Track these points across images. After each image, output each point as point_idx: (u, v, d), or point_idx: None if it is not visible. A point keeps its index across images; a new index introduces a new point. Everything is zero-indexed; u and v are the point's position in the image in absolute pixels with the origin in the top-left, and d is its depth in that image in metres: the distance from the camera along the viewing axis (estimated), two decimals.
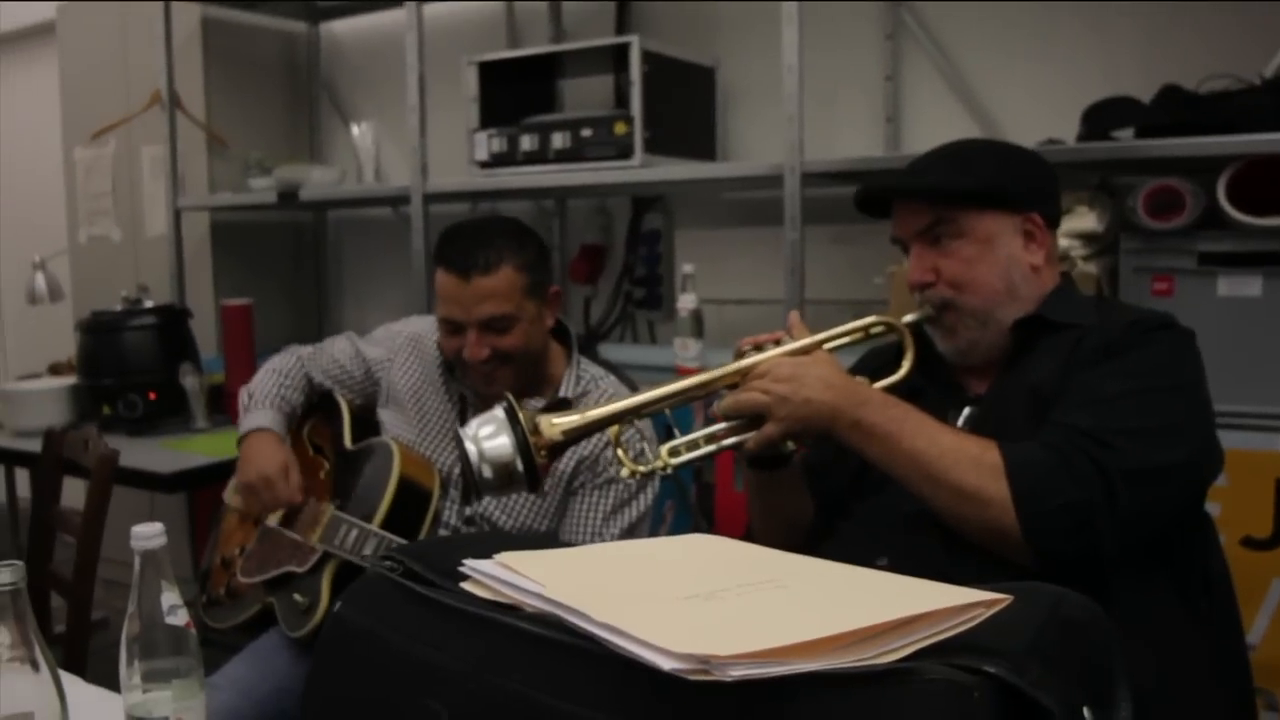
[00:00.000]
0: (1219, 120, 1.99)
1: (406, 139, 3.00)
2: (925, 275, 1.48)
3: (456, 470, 1.84)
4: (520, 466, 1.30)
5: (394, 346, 1.98)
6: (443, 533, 1.81)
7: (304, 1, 3.58)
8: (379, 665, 0.84)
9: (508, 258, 1.75)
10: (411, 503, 1.77)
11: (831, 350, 1.46)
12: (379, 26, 3.63)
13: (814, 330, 1.49)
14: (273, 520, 1.87)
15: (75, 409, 3.00)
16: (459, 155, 2.95)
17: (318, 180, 3.16)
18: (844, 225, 2.71)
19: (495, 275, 1.73)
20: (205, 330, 3.36)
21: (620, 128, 2.65)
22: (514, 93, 2.93)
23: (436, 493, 1.80)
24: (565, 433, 1.33)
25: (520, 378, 1.80)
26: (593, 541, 1.76)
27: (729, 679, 0.63)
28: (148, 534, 1.04)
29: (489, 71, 2.87)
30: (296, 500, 1.82)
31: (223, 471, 2.67)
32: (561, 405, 1.81)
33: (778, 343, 1.46)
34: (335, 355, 2.01)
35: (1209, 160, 2.00)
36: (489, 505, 1.82)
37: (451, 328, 1.77)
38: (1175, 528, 1.37)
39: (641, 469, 1.40)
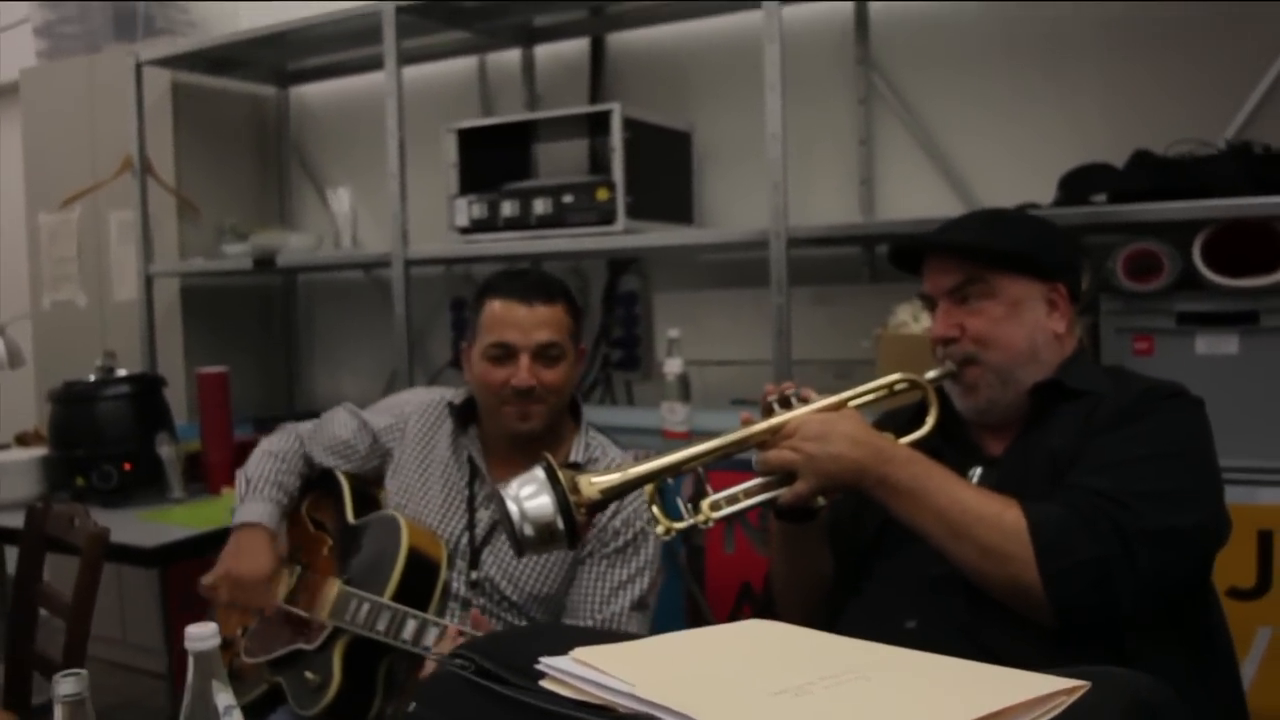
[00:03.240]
0: (1190, 185, 2.08)
1: (385, 204, 3.01)
2: (951, 330, 1.53)
3: (464, 539, 1.84)
4: (561, 525, 1.32)
5: (404, 414, 1.98)
6: (451, 603, 1.80)
7: (274, 67, 3.59)
8: None
9: (563, 297, 1.85)
10: (420, 575, 1.77)
11: (857, 407, 1.50)
12: (349, 91, 3.65)
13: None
14: (252, 618, 1.86)
15: (46, 480, 2.94)
16: (433, 219, 2.98)
17: (295, 246, 3.16)
18: (824, 286, 2.77)
19: (554, 307, 1.82)
20: (176, 397, 3.32)
21: (602, 194, 2.69)
22: (490, 158, 2.97)
23: (444, 564, 1.80)
24: (604, 491, 1.36)
25: (549, 424, 1.83)
26: (601, 610, 1.78)
27: None
28: (202, 635, 1.04)
29: (467, 137, 2.91)
30: (269, 611, 1.83)
31: (205, 545, 2.64)
32: (574, 469, 1.83)
33: (802, 397, 1.49)
34: (336, 432, 2.01)
35: (1183, 224, 2.08)
36: (493, 572, 1.82)
37: (503, 354, 1.80)
38: (1184, 589, 1.42)
39: (679, 526, 1.42)
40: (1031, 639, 1.32)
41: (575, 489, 1.34)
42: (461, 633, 1.56)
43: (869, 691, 0.79)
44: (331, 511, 1.97)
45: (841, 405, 1.50)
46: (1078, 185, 2.20)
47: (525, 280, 1.84)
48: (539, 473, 1.36)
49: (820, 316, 2.75)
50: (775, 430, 1.46)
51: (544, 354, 1.79)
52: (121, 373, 2.99)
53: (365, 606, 1.71)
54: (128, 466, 2.87)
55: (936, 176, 2.79)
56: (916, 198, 2.82)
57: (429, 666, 1.54)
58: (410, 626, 1.65)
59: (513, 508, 1.33)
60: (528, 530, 1.32)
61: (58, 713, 0.97)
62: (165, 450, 2.87)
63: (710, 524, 1.44)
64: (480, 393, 1.85)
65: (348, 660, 1.73)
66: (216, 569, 1.87)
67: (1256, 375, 2.04)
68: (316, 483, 2.02)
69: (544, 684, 0.85)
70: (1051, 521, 1.33)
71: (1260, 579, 1.98)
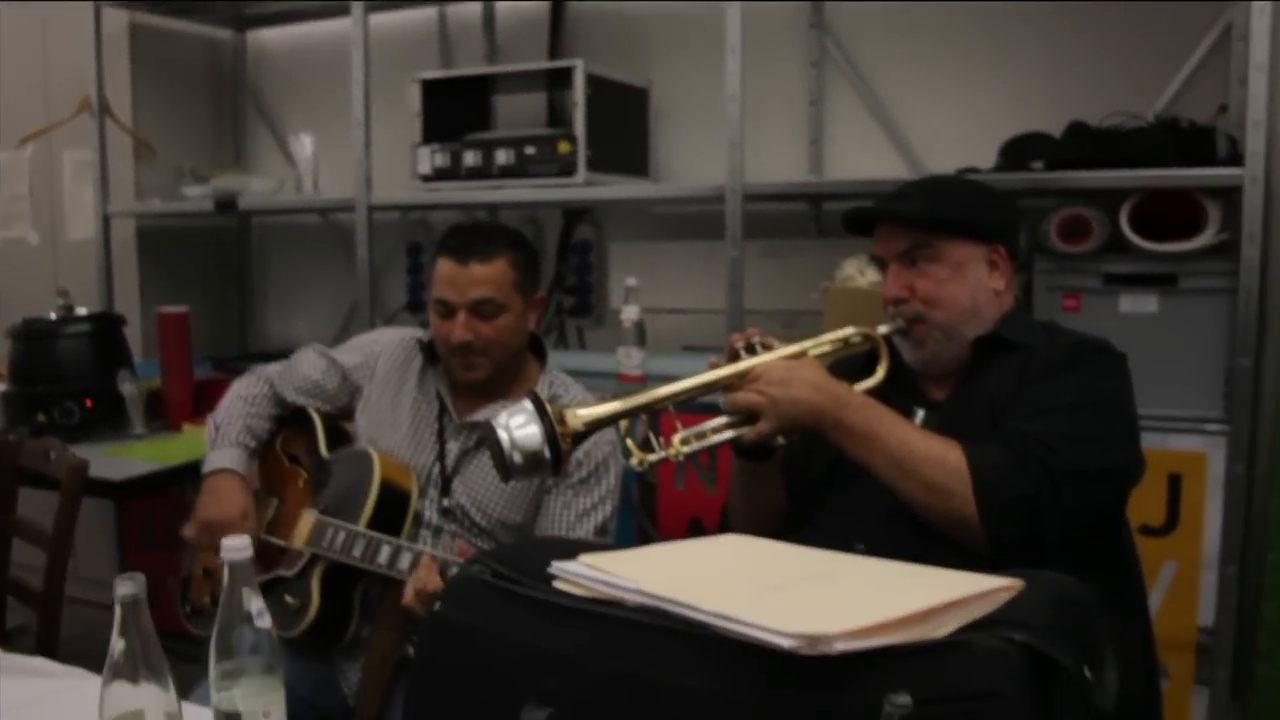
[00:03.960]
0: (1120, 155, 2.23)
1: (343, 150, 3.08)
2: (901, 291, 1.67)
3: (435, 469, 1.95)
4: (548, 454, 1.43)
5: (373, 353, 2.07)
6: (423, 530, 1.91)
7: (233, 6, 3.58)
8: (488, 655, 0.96)
9: (504, 252, 1.90)
10: (392, 504, 1.87)
11: (815, 356, 1.63)
12: (308, 36, 3.67)
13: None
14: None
15: (6, 415, 2.98)
16: (387, 166, 3.04)
17: (256, 190, 3.20)
18: (773, 240, 2.90)
19: (490, 265, 1.88)
20: (132, 337, 3.35)
21: (564, 146, 2.78)
22: (451, 108, 3.03)
23: (415, 494, 1.90)
24: (587, 424, 1.48)
25: (496, 372, 1.93)
26: (567, 536, 1.89)
27: (834, 651, 0.78)
28: (237, 546, 1.14)
29: (430, 87, 2.97)
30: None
31: (170, 479, 2.71)
32: None
33: (765, 342, 1.62)
34: (305, 372, 2.09)
35: (1112, 191, 2.24)
36: (463, 500, 1.93)
37: (444, 310, 1.90)
38: (1102, 522, 1.58)
39: (652, 458, 1.54)
40: (969, 565, 1.47)
41: (561, 420, 1.46)
42: (435, 558, 1.67)
43: (841, 587, 0.92)
44: (305, 446, 2.06)
45: (802, 354, 1.63)
46: (1017, 152, 2.34)
47: (465, 238, 1.90)
48: (527, 404, 1.47)
49: (769, 269, 2.87)
50: (742, 375, 1.59)
51: (479, 310, 1.87)
52: (81, 311, 3.02)
53: (341, 535, 1.81)
54: (89, 403, 2.92)
55: (883, 138, 2.92)
56: (863, 158, 2.95)
57: (408, 592, 1.66)
58: (385, 552, 1.76)
59: (503, 436, 1.44)
60: (517, 458, 1.43)
61: (117, 612, 1.07)
62: (128, 387, 2.92)
63: (680, 457, 1.57)
64: (436, 343, 1.96)
65: (325, 585, 1.84)
66: (194, 518, 1.95)
67: (1173, 332, 2.21)
68: (289, 419, 2.11)
69: (557, 585, 0.97)
70: (989, 462, 1.48)
71: (1169, 517, 2.17)
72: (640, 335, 2.67)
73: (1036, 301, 2.32)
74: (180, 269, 3.63)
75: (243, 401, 2.06)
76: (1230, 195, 2.18)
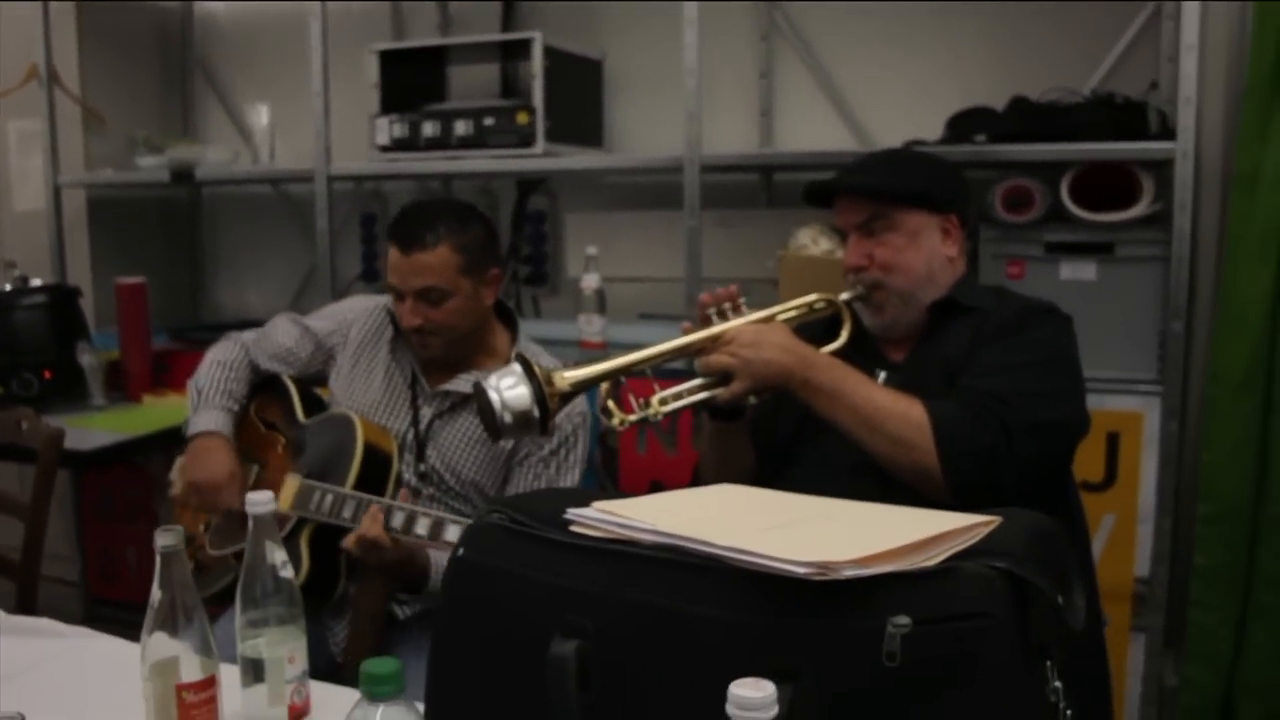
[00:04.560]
0: (1060, 129, 2.35)
1: (296, 120, 3.10)
2: (861, 260, 1.77)
3: (409, 434, 2.01)
4: (537, 414, 1.50)
5: (345, 321, 2.11)
6: (404, 491, 1.97)
7: None
8: (513, 594, 1.03)
9: (446, 238, 1.94)
10: (376, 466, 1.93)
11: (783, 321, 1.73)
12: (256, 7, 3.66)
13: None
14: (213, 516, 2.00)
15: None
16: (344, 138, 3.06)
17: (212, 160, 3.20)
18: (725, 210, 2.98)
19: (432, 252, 1.92)
20: (85, 308, 3.34)
21: (522, 117, 2.83)
22: (407, 79, 3.07)
23: (396, 455, 1.96)
24: (573, 384, 1.56)
25: (453, 348, 2.00)
26: None
27: (844, 577, 0.87)
28: (261, 500, 1.20)
29: (387, 58, 3.00)
30: (236, 508, 1.95)
31: (134, 449, 2.73)
32: None
33: (734, 305, 1.70)
34: (279, 340, 2.13)
35: (1053, 164, 2.36)
36: (436, 464, 1.99)
37: (395, 294, 1.98)
38: (1052, 475, 1.70)
39: (632, 418, 1.62)
40: None
41: (549, 381, 1.54)
42: (387, 507, 1.80)
43: (838, 525, 1.02)
44: (280, 412, 2.10)
45: (771, 319, 1.73)
46: (962, 126, 2.45)
47: (410, 225, 1.95)
48: (516, 367, 1.54)
49: (721, 238, 2.95)
50: (715, 338, 1.67)
51: (424, 297, 1.93)
52: (36, 282, 3.01)
53: (329, 497, 1.86)
54: (48, 374, 2.92)
55: (831, 111, 3.01)
56: (812, 130, 3.04)
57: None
58: (398, 517, 1.81)
59: (494, 397, 1.51)
60: (507, 418, 1.51)
61: (158, 563, 1.12)
62: (87, 359, 2.93)
63: (659, 417, 1.66)
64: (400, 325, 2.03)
65: (314, 546, 1.89)
66: (180, 480, 1.99)
67: (1111, 298, 2.34)
68: (261, 386, 2.15)
69: (574, 529, 1.05)
70: (948, 416, 1.58)
71: (1108, 473, 2.31)
72: (601, 303, 2.75)
73: (982, 269, 2.43)
74: (131, 240, 3.61)
75: (221, 366, 2.09)
76: (1163, 168, 2.31)
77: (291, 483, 1.92)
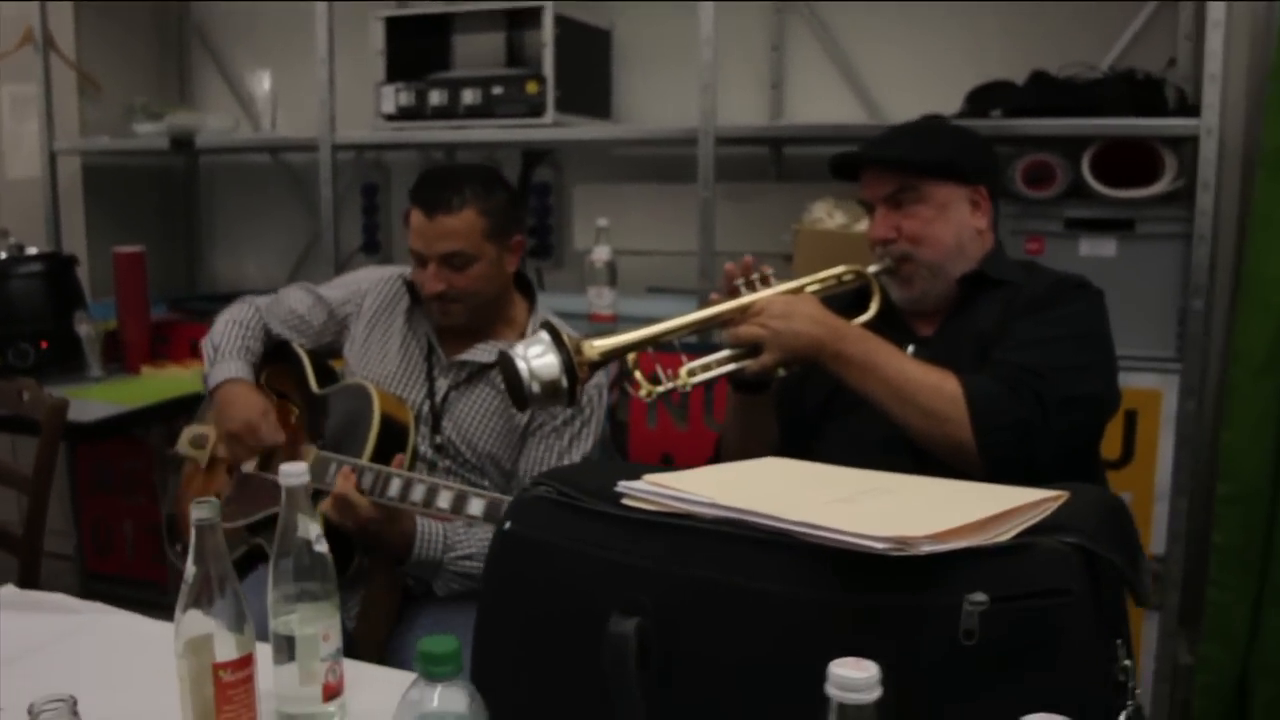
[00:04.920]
0: (1081, 104, 2.32)
1: (303, 89, 3.04)
2: (888, 232, 1.74)
3: (425, 406, 1.98)
4: (565, 383, 1.47)
5: (359, 291, 2.08)
6: (418, 464, 1.94)
7: None
8: (566, 570, 1.00)
9: (472, 201, 1.90)
10: (392, 437, 1.89)
11: (812, 293, 1.70)
12: None
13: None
14: (249, 466, 1.95)
15: None
16: (346, 106, 2.99)
17: (213, 128, 3.14)
18: (734, 184, 2.94)
19: (458, 216, 1.88)
20: (80, 277, 3.28)
21: (532, 86, 2.78)
22: (411, 47, 3.01)
23: (412, 427, 1.93)
24: (603, 354, 1.53)
25: (474, 316, 1.97)
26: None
27: (922, 553, 0.84)
28: (294, 471, 1.16)
29: (392, 25, 2.94)
30: (280, 441, 1.92)
31: (134, 421, 2.68)
32: None
33: (764, 278, 1.67)
34: (292, 306, 2.09)
35: (1074, 139, 2.33)
36: (453, 436, 1.96)
37: (417, 260, 1.93)
38: (1083, 451, 1.68)
39: (660, 389, 1.59)
40: None
41: (578, 350, 1.50)
42: (446, 487, 1.73)
43: (902, 499, 0.99)
44: (292, 382, 2.06)
45: (800, 290, 1.70)
46: (982, 99, 2.42)
47: (434, 188, 1.90)
48: (544, 335, 1.51)
49: (730, 211, 2.91)
50: (744, 309, 1.64)
51: (449, 262, 1.89)
52: (32, 250, 2.95)
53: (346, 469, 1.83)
54: (44, 345, 2.87)
55: (843, 84, 2.97)
56: (823, 104, 3.00)
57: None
58: (395, 484, 1.77)
59: (521, 366, 1.48)
60: (535, 387, 1.48)
61: (193, 537, 1.09)
62: (84, 329, 2.88)
63: (688, 388, 1.63)
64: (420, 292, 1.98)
65: (327, 520, 1.85)
66: (218, 433, 1.95)
67: (1130, 276, 2.31)
68: (273, 355, 2.11)
69: (626, 503, 1.02)
70: (983, 389, 1.56)
71: (1125, 451, 2.29)
72: (611, 275, 2.71)
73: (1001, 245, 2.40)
74: (127, 208, 3.54)
75: (237, 325, 2.06)
76: (1185, 145, 2.28)
77: (307, 453, 1.89)
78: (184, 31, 3.69)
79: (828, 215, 2.57)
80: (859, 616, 0.87)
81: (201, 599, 1.08)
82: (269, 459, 1.97)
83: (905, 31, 2.88)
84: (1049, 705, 0.77)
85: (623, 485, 1.03)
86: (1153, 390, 2.27)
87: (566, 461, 1.95)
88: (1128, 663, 0.93)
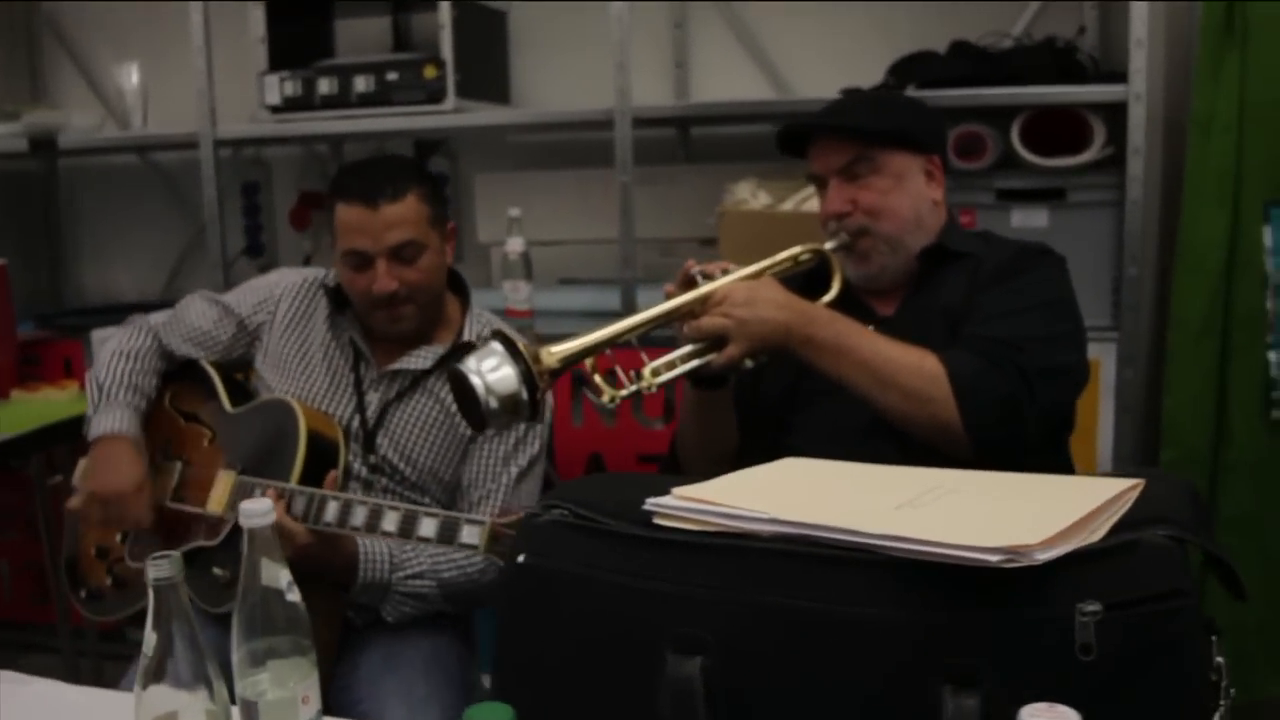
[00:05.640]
0: (1006, 74, 2.29)
1: (172, 82, 2.81)
2: (844, 206, 1.65)
3: (355, 422, 1.81)
4: (525, 396, 1.34)
5: (271, 297, 1.88)
6: (352, 483, 1.77)
7: None
8: (602, 606, 0.87)
9: (412, 186, 1.74)
10: (322, 457, 1.72)
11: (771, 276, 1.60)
12: None
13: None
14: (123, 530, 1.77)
15: None
16: (220, 101, 2.77)
17: (76, 126, 2.87)
18: (647, 167, 2.82)
19: (402, 202, 1.72)
20: None
21: (430, 71, 2.61)
22: (291, 34, 2.81)
23: (343, 445, 1.76)
24: (562, 360, 1.40)
25: (423, 318, 1.80)
26: (495, 481, 1.80)
27: (1037, 562, 0.74)
28: (257, 510, 1.00)
29: (273, 10, 2.74)
30: (145, 524, 1.73)
31: (9, 452, 2.43)
32: (466, 349, 1.82)
33: (724, 270, 1.57)
34: (194, 322, 1.89)
35: (1000, 109, 2.29)
36: (390, 454, 1.80)
37: (358, 261, 1.73)
38: (1062, 420, 1.64)
39: (623, 393, 1.47)
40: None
41: (536, 359, 1.37)
42: (431, 514, 1.54)
43: (972, 500, 0.89)
44: (202, 401, 1.86)
45: (762, 274, 1.59)
46: (906, 71, 2.36)
47: (368, 177, 1.74)
48: (496, 345, 1.37)
49: (642, 196, 2.79)
50: (704, 299, 1.53)
51: (399, 255, 1.72)
52: None
53: (272, 494, 1.65)
54: None
55: (749, 61, 2.89)
56: (729, 82, 2.91)
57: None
58: (332, 508, 1.60)
59: (476, 381, 1.33)
60: (493, 404, 1.33)
61: (151, 599, 0.92)
62: None
63: (653, 389, 1.51)
64: (350, 297, 1.79)
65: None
66: (81, 489, 1.74)
67: (1063, 245, 2.20)
68: (177, 374, 1.91)
69: (659, 521, 0.89)
70: (965, 366, 1.49)
71: None
72: (527, 268, 2.56)
73: None
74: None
75: (125, 358, 1.84)
76: (1112, 111, 2.26)
77: (225, 479, 1.70)
78: (33, 25, 3.38)
79: (751, 195, 2.48)
80: (962, 637, 0.77)
81: (165, 671, 0.91)
82: (181, 485, 1.78)
83: (811, 5, 2.80)
84: (1162, 714, 0.69)
85: (652, 503, 0.91)
86: (1090, 360, 2.25)
87: (514, 468, 1.81)
88: (1220, 659, 0.85)
